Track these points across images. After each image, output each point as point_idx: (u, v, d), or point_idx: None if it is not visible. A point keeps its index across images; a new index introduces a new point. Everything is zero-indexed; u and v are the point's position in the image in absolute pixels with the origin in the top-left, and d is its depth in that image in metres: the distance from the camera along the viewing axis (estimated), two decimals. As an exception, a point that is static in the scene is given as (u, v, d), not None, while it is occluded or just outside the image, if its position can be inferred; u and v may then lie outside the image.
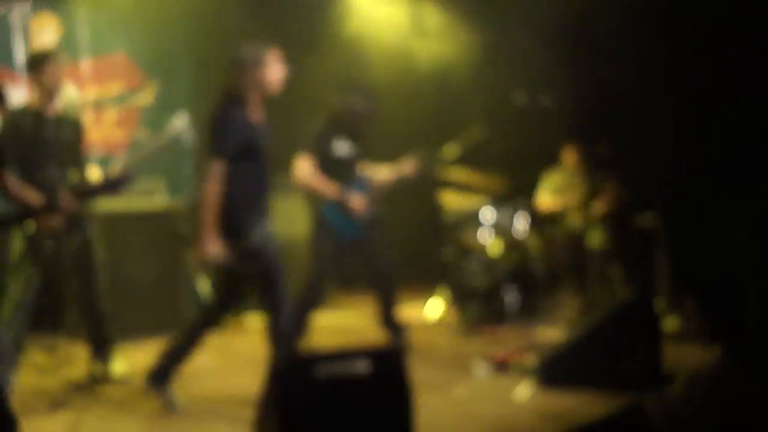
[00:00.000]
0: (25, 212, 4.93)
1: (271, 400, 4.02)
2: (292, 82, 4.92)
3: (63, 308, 6.83)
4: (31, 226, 5.36)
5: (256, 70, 4.98)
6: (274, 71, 5.04)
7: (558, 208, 7.80)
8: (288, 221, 7.74)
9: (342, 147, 6.16)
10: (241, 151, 4.92)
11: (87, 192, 5.34)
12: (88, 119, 7.34)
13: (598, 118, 7.49)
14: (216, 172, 4.87)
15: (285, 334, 5.04)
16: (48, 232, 5.39)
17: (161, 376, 5.12)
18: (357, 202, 6.05)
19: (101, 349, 5.81)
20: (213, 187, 4.86)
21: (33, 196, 4.59)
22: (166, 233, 7.14)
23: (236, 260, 4.95)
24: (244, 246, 4.96)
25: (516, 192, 7.51)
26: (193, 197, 7.50)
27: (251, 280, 5.10)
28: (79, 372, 5.69)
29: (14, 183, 4.50)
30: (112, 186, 5.37)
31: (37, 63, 5.50)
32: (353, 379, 3.91)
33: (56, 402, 5.19)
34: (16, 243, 5.48)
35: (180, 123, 5.97)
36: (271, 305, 5.08)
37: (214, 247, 4.85)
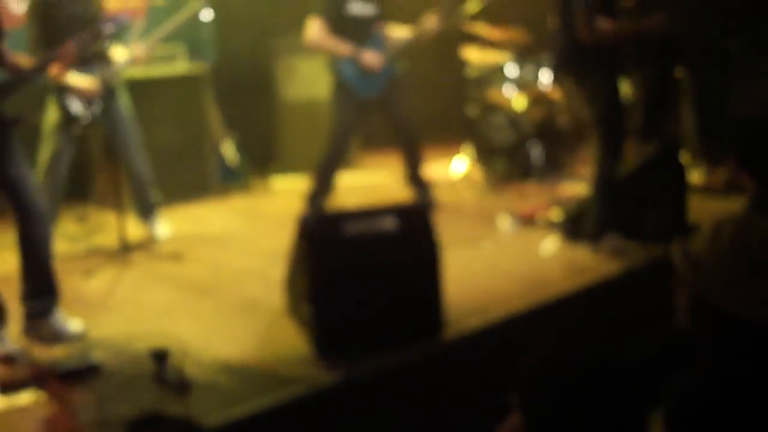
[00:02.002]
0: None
1: (300, 258, 4.08)
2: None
3: (92, 178, 6.88)
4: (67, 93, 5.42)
5: None
6: None
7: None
8: (310, 83, 7.68)
9: (357, 6, 6.05)
10: None
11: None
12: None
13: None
14: None
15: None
16: (84, 98, 5.43)
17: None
18: (370, 58, 5.98)
19: (147, 212, 5.96)
20: None
21: (26, 61, 4.56)
22: (189, 98, 7.10)
23: None
24: None
25: (541, 46, 7.36)
26: (214, 61, 7.44)
27: None
28: (109, 240, 5.78)
29: (8, 53, 4.45)
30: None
31: None
32: (381, 236, 3.94)
33: (89, 269, 5.28)
34: (51, 111, 5.51)
35: (197, 5, 6.01)
36: None
37: None
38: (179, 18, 6.02)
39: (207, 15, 6.09)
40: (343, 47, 5.99)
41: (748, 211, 3.72)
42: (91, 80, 5.46)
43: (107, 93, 5.59)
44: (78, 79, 5.45)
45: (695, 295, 2.19)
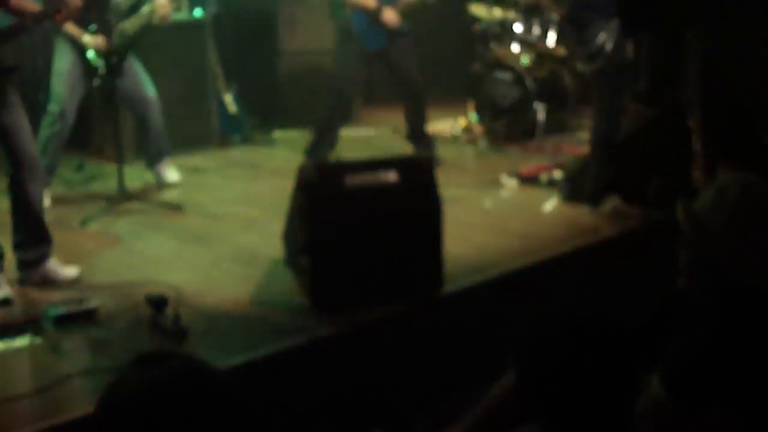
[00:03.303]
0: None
1: (299, 209, 4.05)
2: None
3: (90, 126, 6.83)
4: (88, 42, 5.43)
5: None
6: None
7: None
8: (313, 34, 7.62)
9: None
10: None
11: None
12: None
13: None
14: None
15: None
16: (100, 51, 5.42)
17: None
18: (389, 15, 5.92)
19: (159, 158, 6.01)
20: None
21: (32, 6, 4.48)
22: (191, 48, 7.03)
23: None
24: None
25: (549, 2, 7.28)
26: (216, 10, 7.36)
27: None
28: (107, 188, 5.75)
29: None
30: None
31: None
32: (382, 188, 3.91)
33: (87, 217, 5.25)
34: (61, 57, 5.49)
35: None
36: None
37: None
38: None
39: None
40: (369, 1, 5.93)
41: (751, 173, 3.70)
42: (100, 40, 5.43)
43: (124, 47, 5.56)
44: (88, 39, 5.46)
45: (698, 255, 2.17)
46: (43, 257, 4.29)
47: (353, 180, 3.88)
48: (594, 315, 1.95)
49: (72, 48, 5.49)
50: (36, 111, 5.54)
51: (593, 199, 5.21)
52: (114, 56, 5.44)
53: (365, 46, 5.98)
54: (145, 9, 5.61)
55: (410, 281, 3.94)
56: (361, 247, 3.85)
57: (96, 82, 5.61)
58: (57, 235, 4.41)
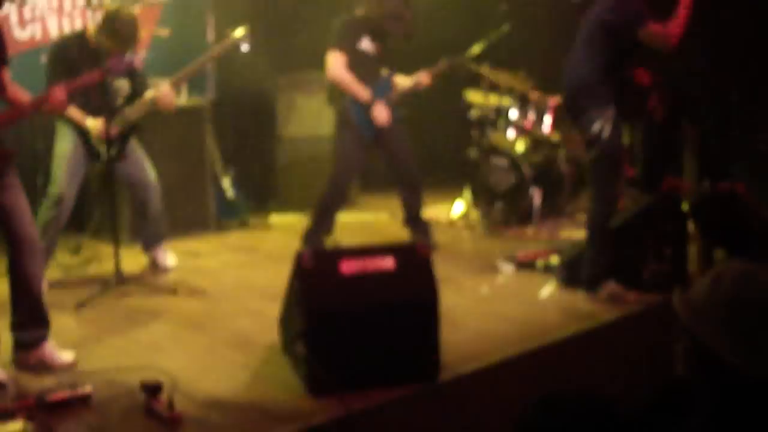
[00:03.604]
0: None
1: (296, 295, 4.05)
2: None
3: (88, 208, 6.86)
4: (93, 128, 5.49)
5: None
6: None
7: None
8: (311, 120, 7.69)
9: (366, 43, 6.08)
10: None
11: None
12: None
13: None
14: None
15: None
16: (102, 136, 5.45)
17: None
18: (380, 112, 5.97)
19: (157, 243, 6.04)
20: None
21: (25, 96, 4.52)
22: (189, 132, 7.09)
23: None
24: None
25: (544, 90, 7.39)
26: (214, 95, 7.45)
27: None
28: (104, 271, 5.75)
29: (10, 83, 4.42)
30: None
31: None
32: (379, 275, 3.91)
33: (82, 301, 5.24)
34: (62, 141, 5.55)
35: (240, 36, 5.75)
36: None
37: None
38: (215, 51, 6.01)
39: (245, 48, 5.72)
40: (362, 92, 5.97)
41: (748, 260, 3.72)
42: (99, 123, 5.45)
43: (126, 133, 5.64)
44: (90, 123, 5.51)
45: (694, 343, 2.16)
46: (41, 339, 4.27)
47: (350, 266, 3.89)
48: (592, 401, 1.93)
49: (73, 131, 5.53)
50: (35, 193, 5.57)
51: (590, 284, 5.22)
52: (116, 141, 5.49)
53: (363, 132, 6.04)
54: (147, 95, 5.67)
55: (407, 368, 3.92)
56: (358, 334, 3.84)
57: (97, 166, 5.69)
58: (53, 319, 4.39)
